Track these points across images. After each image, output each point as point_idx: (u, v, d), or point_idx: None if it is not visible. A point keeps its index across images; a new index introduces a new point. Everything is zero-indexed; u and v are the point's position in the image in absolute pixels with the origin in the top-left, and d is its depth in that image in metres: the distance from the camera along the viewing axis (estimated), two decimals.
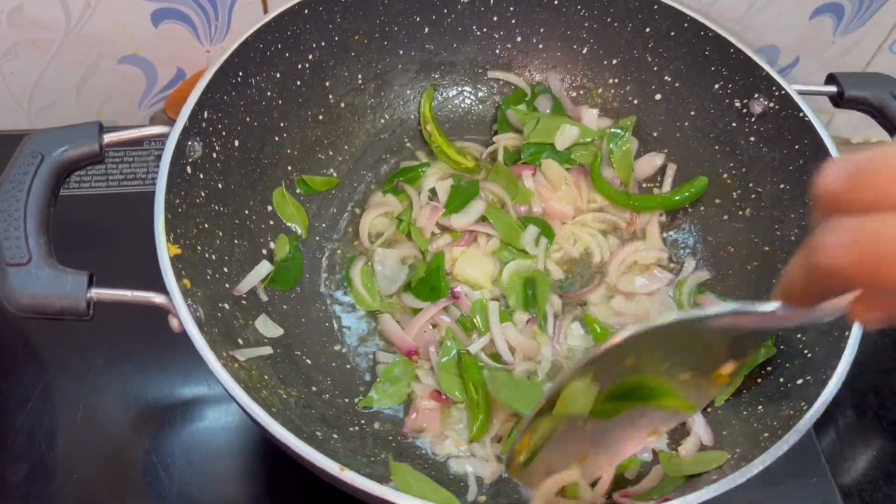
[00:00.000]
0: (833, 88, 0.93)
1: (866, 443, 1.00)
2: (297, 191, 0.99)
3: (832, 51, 1.30)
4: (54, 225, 0.73)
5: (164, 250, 0.73)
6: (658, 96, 1.06)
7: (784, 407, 0.75)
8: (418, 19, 1.04)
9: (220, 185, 0.87)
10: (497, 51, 1.09)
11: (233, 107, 0.89)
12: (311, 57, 0.98)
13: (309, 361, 0.88)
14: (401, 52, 1.06)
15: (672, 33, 1.01)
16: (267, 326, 0.87)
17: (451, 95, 1.12)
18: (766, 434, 0.73)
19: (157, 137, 0.80)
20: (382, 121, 1.08)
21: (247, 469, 0.91)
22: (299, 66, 0.97)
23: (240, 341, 0.80)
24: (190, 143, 0.82)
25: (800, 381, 0.78)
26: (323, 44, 0.98)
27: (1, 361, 0.96)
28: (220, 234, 0.86)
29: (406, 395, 0.88)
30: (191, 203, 0.82)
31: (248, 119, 0.92)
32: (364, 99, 1.06)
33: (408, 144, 1.09)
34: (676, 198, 1.01)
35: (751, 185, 0.97)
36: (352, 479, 0.62)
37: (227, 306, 0.82)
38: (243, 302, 0.86)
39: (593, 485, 0.76)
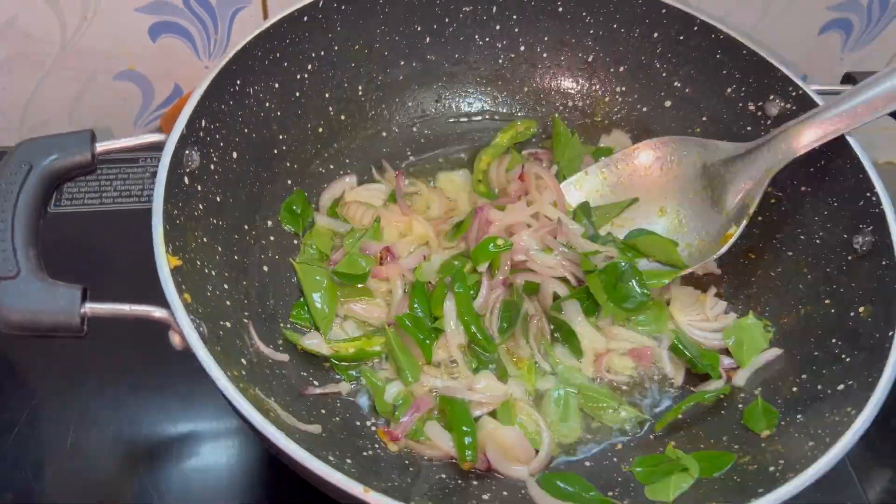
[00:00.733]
0: (850, 87, 0.90)
1: (893, 467, 0.97)
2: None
3: (840, 67, 1.30)
4: (47, 242, 0.70)
5: (164, 261, 0.68)
6: (668, 103, 1.04)
7: (828, 414, 0.72)
8: (419, 29, 1.02)
9: (218, 199, 0.84)
10: (500, 60, 1.08)
11: (231, 117, 0.86)
12: (310, 67, 0.95)
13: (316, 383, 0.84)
14: (402, 63, 1.04)
15: (681, 38, 0.99)
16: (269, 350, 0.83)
17: (452, 107, 1.10)
18: (811, 443, 0.69)
19: (152, 146, 0.77)
20: (384, 134, 1.06)
21: (249, 495, 0.86)
22: (298, 77, 0.95)
23: (243, 361, 0.76)
24: (187, 151, 0.79)
25: (841, 387, 0.75)
26: (322, 53, 0.96)
27: None
28: (220, 249, 0.83)
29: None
30: (189, 215, 0.78)
31: (246, 130, 0.89)
32: (365, 111, 1.04)
33: (410, 157, 1.06)
34: None
35: (770, 189, 0.94)
36: (377, 500, 0.57)
37: (228, 325, 0.77)
38: (245, 321, 0.81)
39: None
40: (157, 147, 0.76)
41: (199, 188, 0.80)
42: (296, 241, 0.95)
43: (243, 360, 0.76)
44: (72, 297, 0.64)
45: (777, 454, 0.73)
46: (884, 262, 0.79)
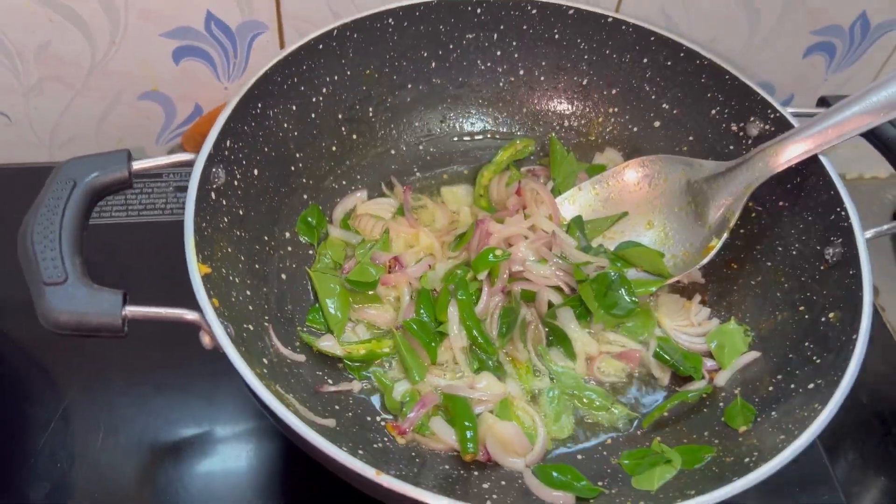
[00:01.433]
0: (824, 110, 0.97)
1: (877, 470, 1.03)
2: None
3: (825, 88, 1.37)
4: None
5: (196, 269, 0.75)
6: (657, 123, 1.10)
7: (798, 410, 0.78)
8: (426, 54, 1.08)
9: (241, 212, 0.90)
10: (501, 84, 1.14)
11: (252, 137, 0.93)
12: (324, 90, 1.02)
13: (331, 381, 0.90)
14: (409, 86, 1.10)
15: (669, 63, 1.06)
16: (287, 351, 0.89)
17: (455, 126, 1.16)
18: (782, 437, 0.75)
19: (184, 165, 0.83)
20: (392, 151, 1.12)
21: (266, 490, 0.92)
22: (314, 99, 1.01)
23: (264, 360, 0.82)
24: (214, 169, 0.85)
25: (811, 386, 0.81)
26: (336, 78, 1.02)
27: (22, 384, 0.98)
28: (242, 258, 0.89)
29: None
30: (215, 228, 0.84)
31: (266, 149, 0.95)
32: (375, 131, 1.10)
33: (417, 173, 1.12)
34: None
35: (750, 203, 1.01)
36: (389, 483, 0.64)
37: (251, 327, 0.84)
38: (265, 324, 0.88)
39: None
40: (186, 165, 0.83)
41: (224, 203, 0.87)
42: (311, 251, 1.01)
43: (264, 360, 0.82)
44: (114, 301, 0.70)
45: (752, 447, 0.79)
46: (851, 272, 0.85)
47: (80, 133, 1.26)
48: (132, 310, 0.71)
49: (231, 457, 0.94)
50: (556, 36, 1.09)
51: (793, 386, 0.84)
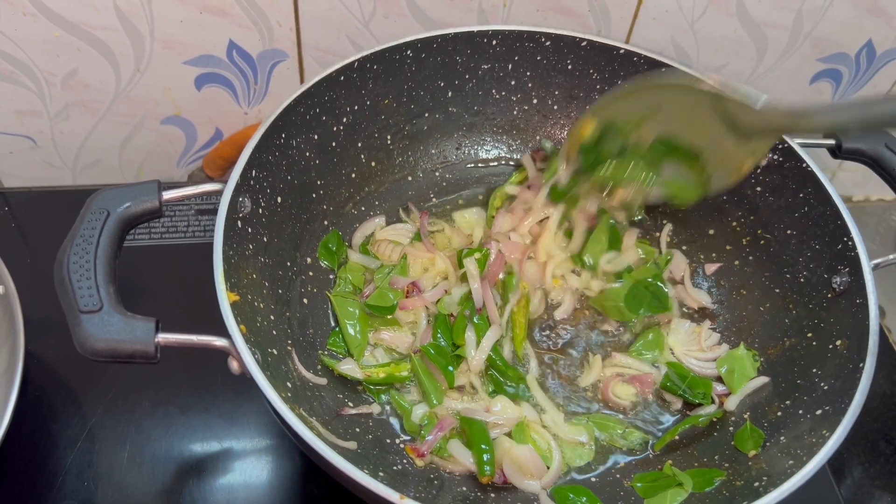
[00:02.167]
0: (831, 141, 1.00)
1: (883, 490, 1.04)
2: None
3: None
4: None
5: (225, 298, 0.78)
6: None
7: (806, 436, 0.80)
8: (442, 84, 1.11)
9: (265, 239, 0.93)
10: (515, 112, 1.17)
11: (276, 166, 0.95)
12: (345, 120, 1.04)
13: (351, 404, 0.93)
14: (426, 115, 1.13)
15: None
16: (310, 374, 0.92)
17: (471, 153, 1.19)
18: (790, 462, 0.78)
19: (212, 194, 0.86)
20: (410, 178, 1.15)
21: None
22: (335, 129, 1.04)
23: (288, 384, 0.85)
24: (241, 199, 0.88)
25: (819, 412, 0.83)
26: (356, 107, 1.05)
27: (49, 404, 1.00)
28: (266, 284, 0.92)
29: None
30: (241, 255, 0.87)
31: (289, 177, 0.98)
32: (393, 158, 1.13)
33: (433, 199, 1.15)
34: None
35: (759, 231, 1.03)
36: None
37: (275, 352, 0.87)
38: (288, 348, 0.91)
39: None
40: (214, 194, 0.86)
41: (250, 230, 0.90)
42: (331, 276, 1.04)
43: (288, 384, 0.85)
44: (147, 329, 0.72)
45: (761, 471, 0.81)
46: (858, 301, 0.87)
47: (104, 157, 1.30)
48: (164, 337, 0.73)
49: (252, 475, 0.97)
50: (569, 66, 1.12)
51: (801, 411, 0.86)
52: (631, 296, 1.03)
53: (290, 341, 0.92)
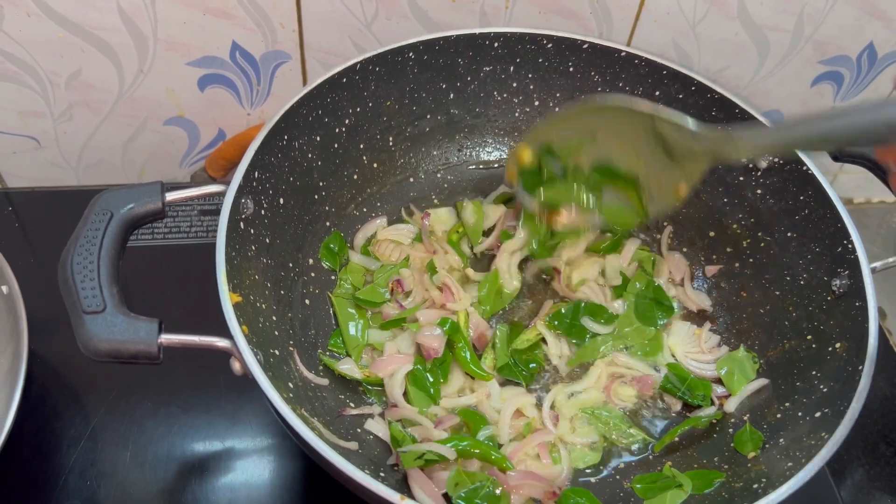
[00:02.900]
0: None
1: (883, 492, 1.04)
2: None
3: None
4: None
5: (227, 298, 0.78)
6: None
7: (805, 438, 0.81)
8: (444, 86, 1.11)
9: (267, 240, 0.93)
10: (516, 114, 1.17)
11: (279, 168, 0.96)
12: (347, 121, 1.05)
13: (352, 405, 0.93)
14: (428, 117, 1.13)
15: (680, 96, 1.08)
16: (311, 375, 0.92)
17: (472, 155, 1.19)
18: (789, 464, 0.78)
19: (215, 195, 0.86)
20: (412, 179, 1.15)
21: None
22: (337, 130, 1.04)
23: (290, 385, 0.85)
24: (243, 200, 0.88)
25: (818, 414, 0.83)
26: (358, 109, 1.05)
27: (52, 404, 1.01)
28: (269, 285, 0.92)
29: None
30: (244, 256, 0.87)
31: (291, 179, 0.98)
32: (395, 160, 1.13)
33: (435, 200, 1.15)
34: None
35: (759, 234, 1.04)
36: None
37: (277, 352, 0.87)
38: (290, 348, 0.91)
39: None
40: (217, 195, 0.87)
41: (252, 231, 0.90)
42: (333, 277, 1.04)
43: (290, 384, 0.85)
44: (150, 330, 0.73)
45: (760, 473, 0.82)
46: (857, 304, 0.88)
47: (107, 157, 1.30)
48: (167, 338, 0.73)
49: (254, 474, 0.97)
50: (571, 69, 1.12)
51: (800, 413, 0.87)
52: (639, 312, 1.03)
53: (291, 342, 0.92)
